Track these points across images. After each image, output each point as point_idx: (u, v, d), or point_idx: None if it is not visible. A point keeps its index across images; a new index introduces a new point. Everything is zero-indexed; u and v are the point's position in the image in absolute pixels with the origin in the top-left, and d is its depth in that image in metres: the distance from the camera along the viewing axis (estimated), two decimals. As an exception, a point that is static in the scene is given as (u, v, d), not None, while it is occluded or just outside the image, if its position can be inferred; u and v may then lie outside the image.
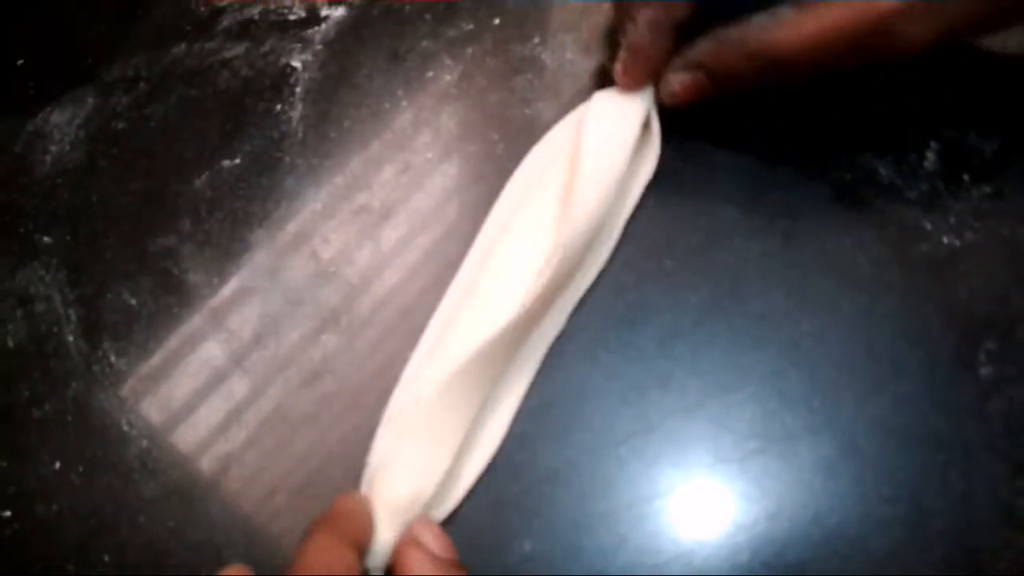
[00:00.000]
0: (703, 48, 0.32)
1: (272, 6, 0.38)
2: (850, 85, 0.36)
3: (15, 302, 0.34)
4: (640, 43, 0.33)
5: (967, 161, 0.35)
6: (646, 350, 0.32)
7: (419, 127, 0.36)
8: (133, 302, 0.34)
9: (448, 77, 0.37)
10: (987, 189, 0.34)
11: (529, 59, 0.37)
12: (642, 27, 0.32)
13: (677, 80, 0.33)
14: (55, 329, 0.33)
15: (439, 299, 0.33)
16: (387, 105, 0.37)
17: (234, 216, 0.35)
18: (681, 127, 0.35)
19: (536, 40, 0.37)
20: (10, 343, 0.33)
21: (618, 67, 0.33)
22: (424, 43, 0.38)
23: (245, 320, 0.33)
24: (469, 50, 0.37)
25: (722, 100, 0.33)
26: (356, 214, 0.35)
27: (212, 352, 0.33)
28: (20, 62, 0.38)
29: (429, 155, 0.36)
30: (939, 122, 0.35)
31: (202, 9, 0.38)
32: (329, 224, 0.35)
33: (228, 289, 0.34)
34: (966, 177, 0.34)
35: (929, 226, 0.33)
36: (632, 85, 0.33)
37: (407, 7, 0.38)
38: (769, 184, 0.34)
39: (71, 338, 0.33)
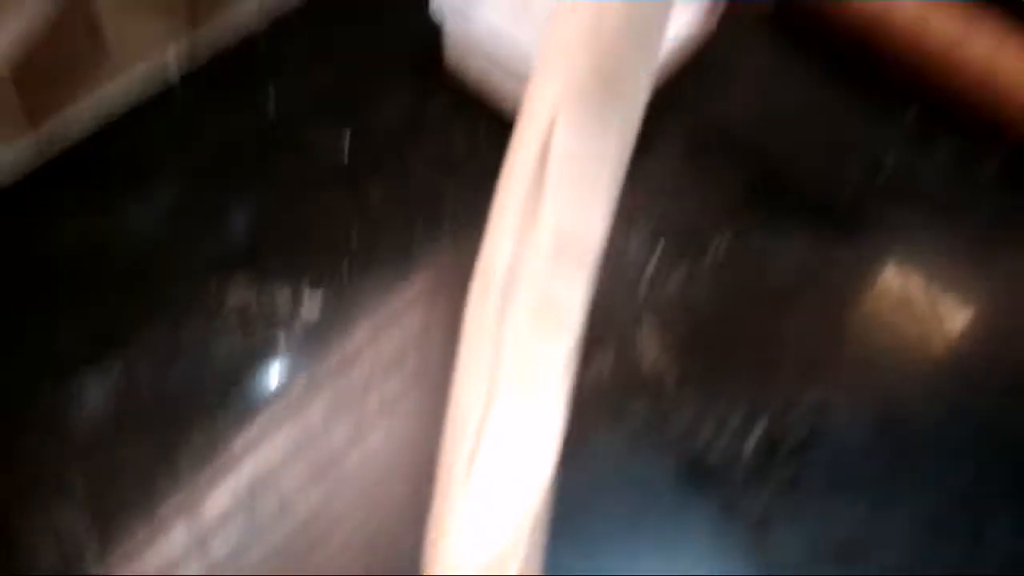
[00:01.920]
0: None
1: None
2: (691, 383, 0.47)
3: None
4: None
5: (779, 447, 0.46)
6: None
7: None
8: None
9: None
10: (793, 470, 0.45)
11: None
12: None
13: None
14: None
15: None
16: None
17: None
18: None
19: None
20: None
21: None
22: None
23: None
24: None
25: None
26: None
27: None
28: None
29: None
30: (758, 412, 0.47)
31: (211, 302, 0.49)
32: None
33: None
34: (777, 462, 0.45)
35: (747, 503, 0.44)
36: None
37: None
38: (620, 468, 0.45)
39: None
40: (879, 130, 0.60)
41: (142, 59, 0.56)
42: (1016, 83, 0.56)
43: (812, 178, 0.58)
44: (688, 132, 0.58)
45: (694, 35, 0.58)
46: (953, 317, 0.52)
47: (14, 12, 0.48)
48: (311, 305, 0.49)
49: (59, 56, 0.51)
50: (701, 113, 0.60)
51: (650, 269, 0.51)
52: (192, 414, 0.45)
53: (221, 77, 0.59)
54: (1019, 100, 0.56)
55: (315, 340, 0.48)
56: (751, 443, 0.46)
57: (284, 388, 0.46)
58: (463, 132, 0.57)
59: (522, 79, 0.47)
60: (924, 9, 0.59)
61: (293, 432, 0.45)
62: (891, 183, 0.57)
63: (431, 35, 0.57)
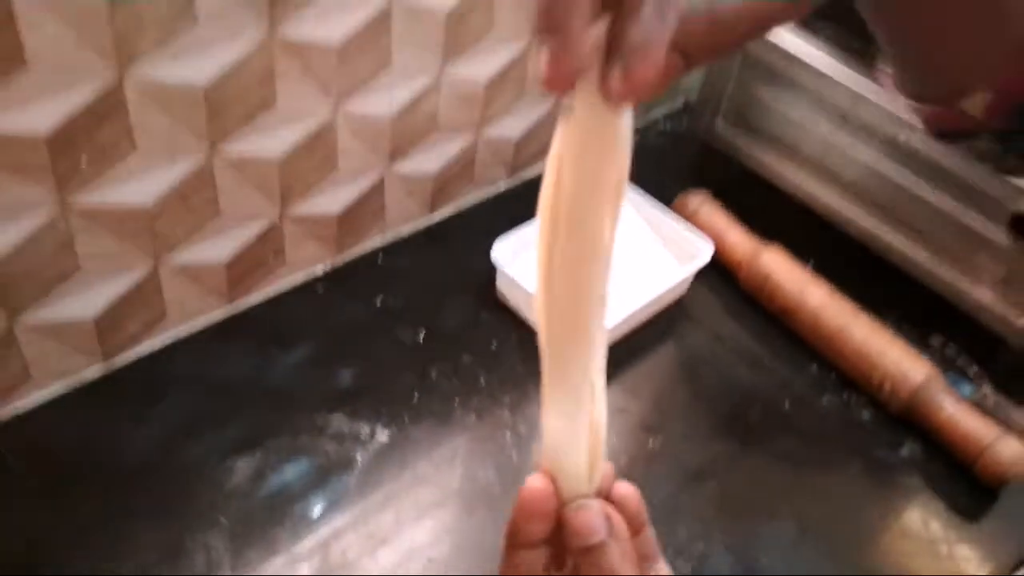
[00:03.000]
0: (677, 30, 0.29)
1: (346, 430, 0.77)
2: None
3: None
4: (651, 31, 0.27)
5: None
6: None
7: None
8: None
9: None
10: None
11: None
12: (649, 10, 0.27)
13: None
14: None
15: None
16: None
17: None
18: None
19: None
20: None
21: (635, 62, 0.27)
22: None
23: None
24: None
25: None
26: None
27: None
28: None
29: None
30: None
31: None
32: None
33: None
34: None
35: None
36: (646, 91, 0.28)
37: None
38: None
39: None
40: (790, 373, 0.86)
41: (303, 267, 0.87)
42: (882, 360, 0.82)
43: (730, 400, 0.83)
44: (667, 357, 0.86)
45: (680, 289, 0.88)
46: (806, 508, 0.75)
47: (232, 234, 0.79)
48: (381, 435, 0.76)
49: (256, 261, 0.82)
50: (679, 343, 0.87)
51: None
52: (299, 491, 0.72)
53: (349, 278, 0.89)
54: (884, 367, 0.82)
55: (381, 458, 0.75)
56: (650, 570, 0.69)
57: (358, 484, 0.73)
58: (501, 338, 0.85)
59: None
60: (825, 299, 0.86)
61: (359, 507, 0.71)
62: (791, 413, 0.83)
63: (489, 270, 0.86)
